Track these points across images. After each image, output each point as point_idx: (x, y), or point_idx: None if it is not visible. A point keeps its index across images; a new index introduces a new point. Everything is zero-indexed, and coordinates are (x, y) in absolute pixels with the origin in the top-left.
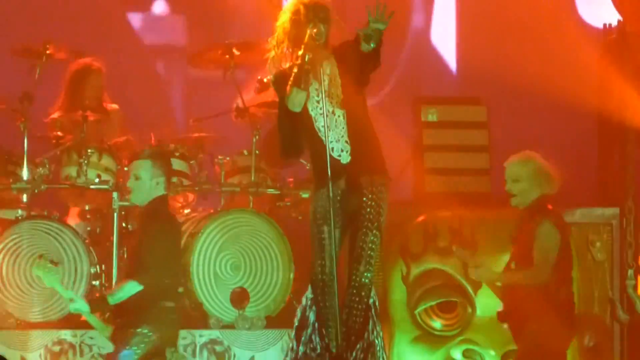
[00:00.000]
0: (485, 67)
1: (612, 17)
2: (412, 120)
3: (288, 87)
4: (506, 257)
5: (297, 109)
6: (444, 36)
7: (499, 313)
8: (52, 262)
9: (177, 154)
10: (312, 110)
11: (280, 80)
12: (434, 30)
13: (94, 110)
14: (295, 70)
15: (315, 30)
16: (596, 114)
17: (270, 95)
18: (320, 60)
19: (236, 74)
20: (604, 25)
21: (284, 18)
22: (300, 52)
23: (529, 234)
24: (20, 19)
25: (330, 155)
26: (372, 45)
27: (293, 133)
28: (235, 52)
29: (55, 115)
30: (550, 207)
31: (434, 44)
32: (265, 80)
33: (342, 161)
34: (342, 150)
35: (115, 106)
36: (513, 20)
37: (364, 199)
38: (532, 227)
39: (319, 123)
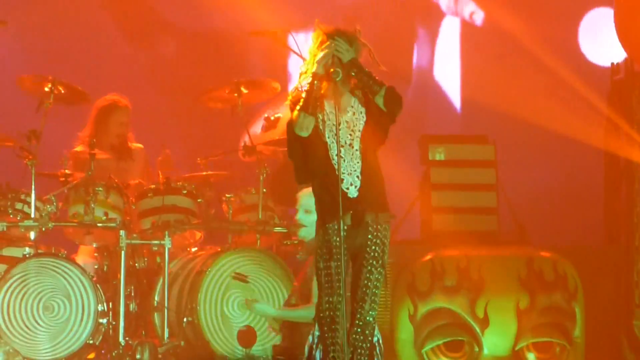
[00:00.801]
0: (489, 105)
1: (620, 56)
2: (419, 159)
3: (296, 111)
4: (514, 296)
5: (304, 134)
6: (448, 74)
7: (274, 347)
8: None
9: (184, 191)
10: (328, 137)
11: (294, 102)
12: (438, 68)
13: (117, 149)
14: (304, 95)
15: (331, 70)
16: (603, 153)
17: (278, 133)
18: (341, 91)
19: (244, 112)
20: (612, 64)
21: (312, 45)
22: (311, 79)
23: (309, 268)
24: (29, 56)
25: (338, 184)
26: (378, 90)
27: (305, 157)
28: (243, 90)
29: (79, 148)
30: None
31: (438, 82)
32: (272, 118)
33: (349, 195)
34: (351, 184)
35: (139, 145)
36: (518, 58)
37: (370, 236)
38: (312, 262)
39: (333, 151)
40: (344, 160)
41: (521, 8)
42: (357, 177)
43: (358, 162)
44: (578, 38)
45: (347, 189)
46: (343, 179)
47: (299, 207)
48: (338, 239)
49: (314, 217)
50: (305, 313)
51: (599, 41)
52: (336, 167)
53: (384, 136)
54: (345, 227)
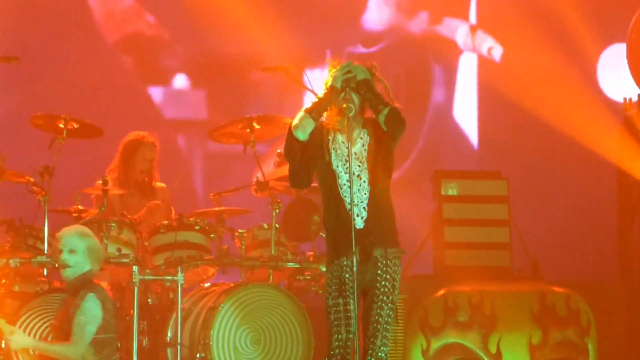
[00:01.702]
0: (506, 141)
1: (633, 91)
2: (432, 194)
3: (301, 111)
4: (527, 331)
5: (299, 135)
6: (465, 110)
7: None
8: None
9: (197, 227)
10: (337, 166)
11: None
12: (455, 104)
13: (141, 185)
14: (316, 99)
15: (344, 105)
16: (616, 188)
17: None
18: (353, 126)
19: (256, 148)
20: (624, 99)
21: (328, 79)
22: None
23: (72, 307)
24: (42, 92)
25: (346, 215)
26: (382, 111)
27: (302, 160)
28: (256, 126)
29: (108, 178)
30: (96, 281)
31: (455, 118)
32: None
33: (355, 225)
34: (357, 215)
35: (162, 185)
36: (534, 95)
37: (379, 272)
38: (76, 301)
39: (342, 180)
40: (351, 191)
41: (540, 43)
42: (364, 208)
43: (365, 194)
44: (596, 74)
45: (354, 219)
46: (349, 208)
47: (62, 247)
48: (347, 275)
49: (77, 257)
50: (62, 350)
51: (617, 76)
52: (345, 200)
53: (389, 162)
54: (355, 263)
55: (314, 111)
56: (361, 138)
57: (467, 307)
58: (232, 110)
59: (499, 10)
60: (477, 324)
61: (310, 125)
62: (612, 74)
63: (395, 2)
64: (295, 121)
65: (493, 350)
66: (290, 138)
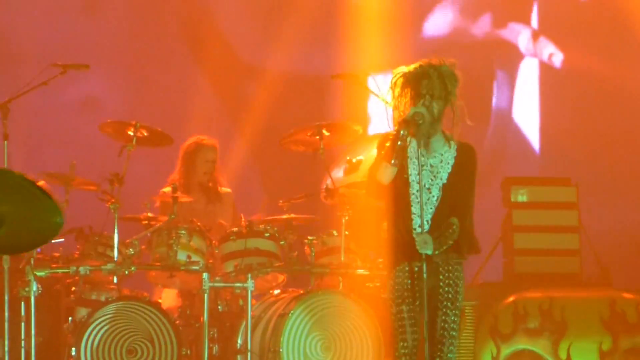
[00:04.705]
0: (569, 146)
1: None
2: (501, 201)
3: (380, 158)
4: (597, 338)
5: (385, 182)
6: (527, 115)
7: None
8: None
9: (266, 234)
10: (410, 175)
11: (381, 144)
12: (517, 109)
13: (206, 190)
14: (388, 144)
15: (414, 112)
16: None
17: (360, 176)
18: (427, 132)
19: (326, 155)
20: None
21: (396, 79)
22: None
23: None
24: (114, 99)
25: (410, 224)
26: None
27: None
28: (325, 133)
29: (167, 189)
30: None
31: (517, 123)
32: (354, 161)
33: (415, 234)
34: (419, 226)
35: (227, 190)
36: (596, 101)
37: (440, 277)
38: None
39: (412, 189)
40: (419, 202)
41: (600, 49)
42: (427, 221)
43: (431, 208)
44: None
45: (415, 229)
46: (413, 218)
47: None
48: (408, 281)
49: None
50: None
51: None
52: (412, 209)
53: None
54: (417, 269)
55: (392, 157)
56: (442, 154)
57: (537, 313)
58: (301, 118)
59: (561, 16)
60: (547, 330)
61: (392, 173)
62: None
63: (458, 7)
64: (377, 171)
65: (563, 356)
66: (372, 180)
